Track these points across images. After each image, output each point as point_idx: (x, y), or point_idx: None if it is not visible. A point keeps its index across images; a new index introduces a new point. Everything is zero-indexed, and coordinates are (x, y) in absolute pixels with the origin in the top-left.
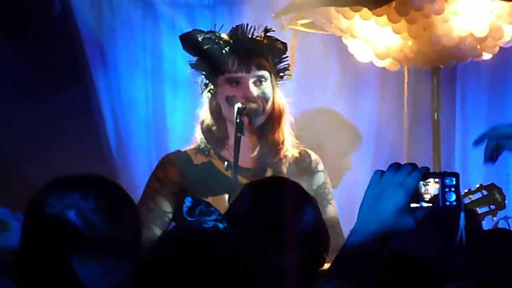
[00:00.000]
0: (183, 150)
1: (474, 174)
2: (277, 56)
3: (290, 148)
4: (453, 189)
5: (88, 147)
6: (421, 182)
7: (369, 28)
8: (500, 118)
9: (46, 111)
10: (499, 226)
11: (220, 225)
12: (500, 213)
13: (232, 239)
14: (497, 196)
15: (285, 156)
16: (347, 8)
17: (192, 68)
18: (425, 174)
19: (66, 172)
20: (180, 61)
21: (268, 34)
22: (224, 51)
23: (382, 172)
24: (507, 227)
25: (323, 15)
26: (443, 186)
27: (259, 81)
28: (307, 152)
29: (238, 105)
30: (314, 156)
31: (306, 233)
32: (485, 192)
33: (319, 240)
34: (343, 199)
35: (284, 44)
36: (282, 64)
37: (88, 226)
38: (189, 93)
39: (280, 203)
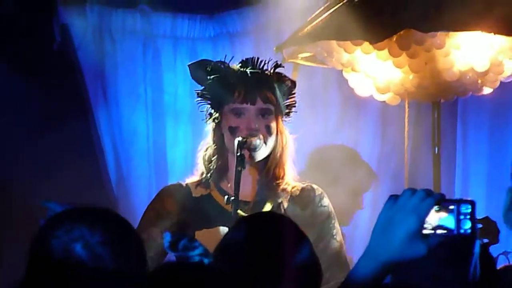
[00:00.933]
0: (184, 182)
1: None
2: (284, 92)
3: (291, 183)
4: (468, 216)
5: (89, 179)
6: (436, 208)
7: (370, 62)
8: (501, 153)
9: (47, 143)
10: (499, 261)
11: (205, 260)
12: (499, 248)
13: (218, 275)
14: (492, 229)
15: (284, 190)
16: (349, 42)
17: (199, 97)
18: (440, 200)
19: (68, 204)
20: (181, 93)
21: (277, 69)
22: (231, 81)
23: (396, 197)
24: (507, 262)
25: (324, 49)
26: (458, 213)
27: (263, 114)
28: (312, 186)
29: (239, 138)
30: (318, 191)
31: (296, 269)
32: (479, 225)
33: (310, 276)
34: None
35: (293, 81)
36: (289, 100)
37: (94, 259)
38: (190, 125)
39: (270, 239)
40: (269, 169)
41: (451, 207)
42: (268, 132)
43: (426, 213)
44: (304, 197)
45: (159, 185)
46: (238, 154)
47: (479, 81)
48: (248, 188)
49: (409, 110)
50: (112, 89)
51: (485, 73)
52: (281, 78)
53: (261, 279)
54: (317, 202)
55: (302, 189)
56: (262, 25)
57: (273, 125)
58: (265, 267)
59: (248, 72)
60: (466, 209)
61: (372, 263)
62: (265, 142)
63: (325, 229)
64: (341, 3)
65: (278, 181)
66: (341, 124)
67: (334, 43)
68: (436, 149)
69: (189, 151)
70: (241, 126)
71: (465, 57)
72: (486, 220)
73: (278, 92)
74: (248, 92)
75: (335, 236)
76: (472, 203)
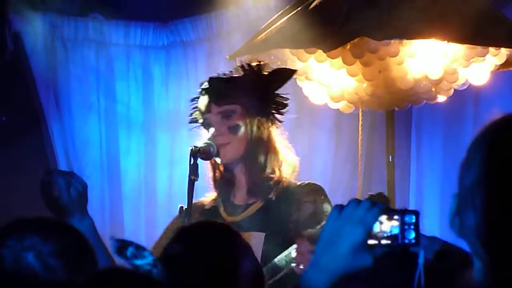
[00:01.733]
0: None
1: (429, 217)
2: (256, 89)
3: (281, 179)
4: (412, 226)
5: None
6: (381, 219)
7: (324, 70)
8: (455, 161)
9: None
10: None
11: (155, 271)
12: None
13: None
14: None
15: (276, 187)
16: (302, 50)
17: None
18: (385, 210)
19: (19, 214)
20: (134, 102)
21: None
22: (201, 96)
23: (341, 207)
24: None
25: (278, 57)
26: (402, 223)
27: (225, 116)
28: (309, 184)
29: (191, 147)
30: (307, 188)
31: (238, 279)
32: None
33: (252, 285)
34: None
35: (272, 76)
36: (267, 97)
37: (46, 269)
38: (143, 134)
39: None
40: (253, 167)
41: (396, 217)
42: (232, 132)
43: (372, 223)
44: (296, 194)
45: (112, 195)
46: (191, 163)
47: (433, 89)
48: (240, 191)
49: (363, 119)
50: (64, 98)
51: (439, 81)
52: (248, 76)
53: None
54: (301, 199)
55: (298, 186)
56: (216, 34)
57: (239, 124)
58: (205, 278)
59: (209, 80)
60: (410, 219)
61: (320, 274)
62: (230, 142)
63: (310, 225)
64: (294, 12)
65: (268, 179)
66: (295, 132)
67: (287, 51)
68: (390, 157)
69: (142, 160)
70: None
71: (419, 65)
72: (379, 195)
73: (248, 91)
74: (209, 100)
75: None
76: (416, 213)
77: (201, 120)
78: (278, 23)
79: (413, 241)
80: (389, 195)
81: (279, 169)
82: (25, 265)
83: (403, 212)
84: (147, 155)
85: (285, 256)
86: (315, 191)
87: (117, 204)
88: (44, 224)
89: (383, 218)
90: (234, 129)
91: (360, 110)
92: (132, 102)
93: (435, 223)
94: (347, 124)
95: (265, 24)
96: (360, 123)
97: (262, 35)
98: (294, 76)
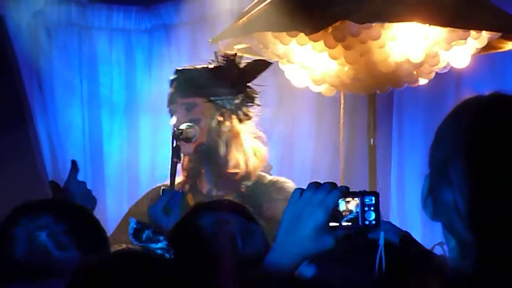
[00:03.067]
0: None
1: (410, 200)
2: (224, 81)
3: (248, 173)
4: (372, 208)
5: (25, 172)
6: (341, 201)
7: (306, 53)
8: None
9: None
10: (435, 251)
11: (167, 255)
12: (437, 239)
13: (172, 269)
14: None
15: (243, 181)
16: (284, 33)
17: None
18: (345, 192)
19: (2, 196)
20: (117, 86)
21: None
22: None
23: (302, 190)
24: (444, 253)
25: (260, 41)
26: (362, 205)
27: (187, 108)
28: (278, 180)
29: (174, 129)
30: (280, 185)
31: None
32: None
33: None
34: None
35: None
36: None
37: (59, 247)
38: (125, 118)
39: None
40: (215, 162)
41: (356, 199)
42: (194, 124)
43: (333, 205)
44: (268, 190)
45: (95, 178)
46: (174, 145)
47: (415, 73)
48: (205, 182)
49: (345, 102)
50: (47, 81)
51: (421, 64)
52: (217, 70)
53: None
54: (273, 195)
55: (270, 182)
56: (199, 17)
57: (200, 118)
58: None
59: (175, 72)
60: (370, 200)
61: (282, 257)
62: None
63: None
64: None
65: (233, 174)
66: (277, 115)
67: (269, 34)
68: (372, 140)
69: (125, 144)
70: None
71: (401, 48)
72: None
73: (212, 83)
74: (174, 91)
75: None
76: (376, 195)
77: (168, 109)
78: (260, 6)
79: (373, 222)
80: (371, 178)
81: (245, 163)
82: (38, 243)
83: (362, 194)
84: (129, 138)
85: None
86: (288, 189)
87: (100, 187)
88: (58, 205)
89: (343, 200)
90: (195, 122)
91: (342, 93)
92: (115, 85)
93: (416, 206)
94: (328, 108)
95: (248, 8)
96: (341, 106)
97: (244, 18)
98: (276, 59)
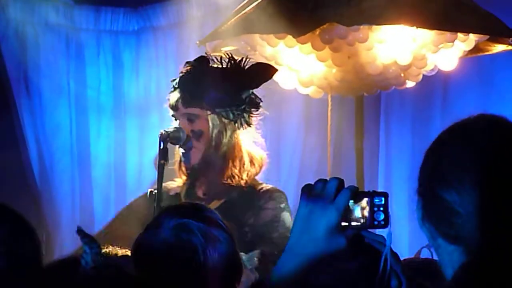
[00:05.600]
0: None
1: (397, 201)
2: (228, 89)
3: (240, 182)
4: (381, 208)
5: (11, 173)
6: (351, 201)
7: (294, 55)
8: (423, 146)
9: None
10: (422, 254)
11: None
12: (424, 240)
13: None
14: None
15: (237, 188)
16: (272, 35)
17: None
18: (355, 192)
19: None
20: (104, 87)
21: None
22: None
23: (309, 188)
24: (431, 255)
25: (248, 43)
26: (372, 205)
27: (189, 119)
28: (269, 189)
29: (161, 131)
30: (269, 194)
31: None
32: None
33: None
34: None
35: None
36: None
37: None
38: (113, 120)
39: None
40: (212, 172)
41: (365, 199)
42: (195, 137)
43: (344, 205)
44: (257, 198)
45: (82, 179)
46: (162, 147)
47: (402, 75)
48: (202, 187)
49: (333, 104)
50: (35, 82)
51: (408, 66)
52: (232, 73)
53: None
54: (262, 204)
55: (261, 191)
56: (186, 19)
57: (201, 130)
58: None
59: (180, 78)
60: (379, 201)
61: (296, 258)
62: (194, 147)
63: (266, 232)
64: None
65: (226, 183)
66: (265, 118)
67: (257, 36)
68: (359, 142)
69: (112, 145)
70: None
71: (388, 51)
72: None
73: (212, 95)
74: (177, 98)
75: (273, 240)
76: (385, 195)
77: (171, 113)
78: (248, 8)
79: (382, 222)
80: (359, 180)
81: (239, 171)
82: None
83: (372, 194)
84: (117, 140)
85: (247, 261)
86: (277, 199)
87: (87, 189)
88: None
89: (353, 200)
90: (196, 134)
91: (329, 95)
92: (102, 87)
93: (403, 208)
94: (316, 110)
95: (235, 9)
96: (329, 108)
97: (232, 20)
98: (264, 61)
